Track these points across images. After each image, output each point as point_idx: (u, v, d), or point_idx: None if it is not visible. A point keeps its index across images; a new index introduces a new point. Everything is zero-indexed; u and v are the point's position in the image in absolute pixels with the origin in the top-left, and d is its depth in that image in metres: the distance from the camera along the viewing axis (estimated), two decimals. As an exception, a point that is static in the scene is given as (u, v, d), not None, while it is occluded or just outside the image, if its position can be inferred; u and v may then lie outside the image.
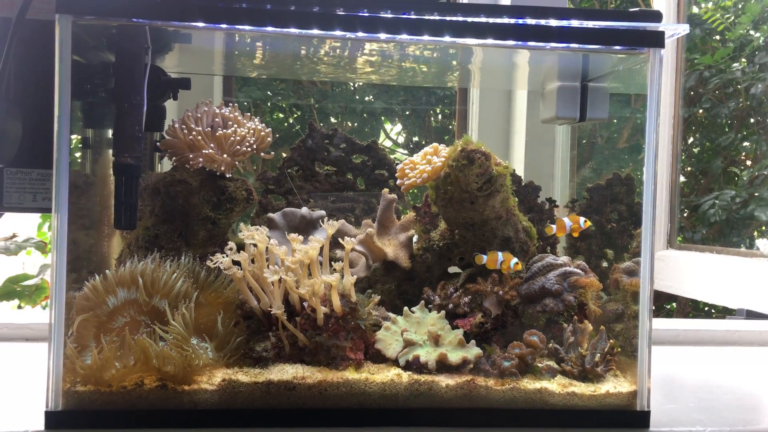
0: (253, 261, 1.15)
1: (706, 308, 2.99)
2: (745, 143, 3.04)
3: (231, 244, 1.13)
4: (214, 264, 1.11)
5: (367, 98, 2.75)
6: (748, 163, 3.09)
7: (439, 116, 2.81)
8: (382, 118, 2.80)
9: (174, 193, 1.26)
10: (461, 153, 1.15)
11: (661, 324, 1.85)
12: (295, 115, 2.86)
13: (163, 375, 1.05)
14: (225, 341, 1.13)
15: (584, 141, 2.33)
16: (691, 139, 3.14)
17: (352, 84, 2.76)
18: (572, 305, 1.23)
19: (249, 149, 1.25)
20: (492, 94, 1.90)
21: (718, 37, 3.10)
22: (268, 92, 2.84)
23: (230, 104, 1.29)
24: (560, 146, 1.82)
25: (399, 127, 2.88)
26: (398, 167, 1.24)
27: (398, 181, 1.24)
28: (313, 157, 1.50)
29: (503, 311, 1.24)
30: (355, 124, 2.76)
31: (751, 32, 2.95)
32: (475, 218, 1.24)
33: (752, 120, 3.02)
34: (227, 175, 1.25)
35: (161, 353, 1.04)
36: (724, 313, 2.80)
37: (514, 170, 1.46)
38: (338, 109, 2.79)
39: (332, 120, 2.78)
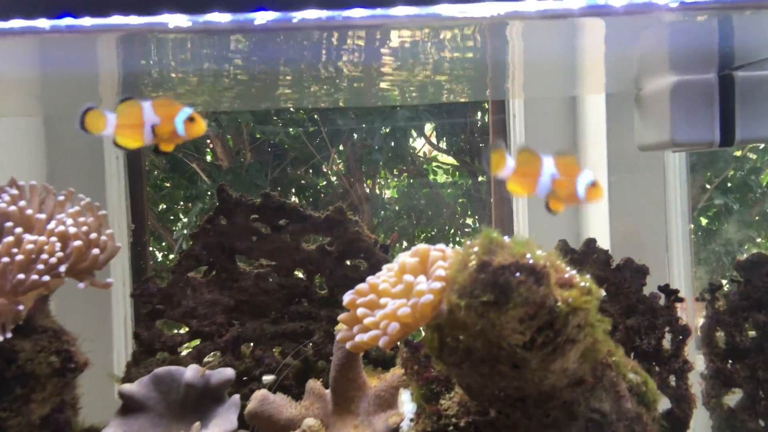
0: None
1: None
2: None
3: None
4: None
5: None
6: None
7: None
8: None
9: None
10: (478, 275, 0.48)
11: None
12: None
13: None
14: None
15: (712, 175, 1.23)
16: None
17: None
18: None
19: (53, 274, 0.62)
20: (542, 105, 1.16)
21: None
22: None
23: (18, 183, 0.67)
24: (675, 187, 1.05)
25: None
26: (345, 301, 0.58)
27: (340, 336, 0.57)
28: (232, 247, 0.85)
29: None
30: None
31: None
32: (526, 390, 0.57)
33: None
34: (6, 334, 0.62)
35: None
36: None
37: (605, 288, 0.79)
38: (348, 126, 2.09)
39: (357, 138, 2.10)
